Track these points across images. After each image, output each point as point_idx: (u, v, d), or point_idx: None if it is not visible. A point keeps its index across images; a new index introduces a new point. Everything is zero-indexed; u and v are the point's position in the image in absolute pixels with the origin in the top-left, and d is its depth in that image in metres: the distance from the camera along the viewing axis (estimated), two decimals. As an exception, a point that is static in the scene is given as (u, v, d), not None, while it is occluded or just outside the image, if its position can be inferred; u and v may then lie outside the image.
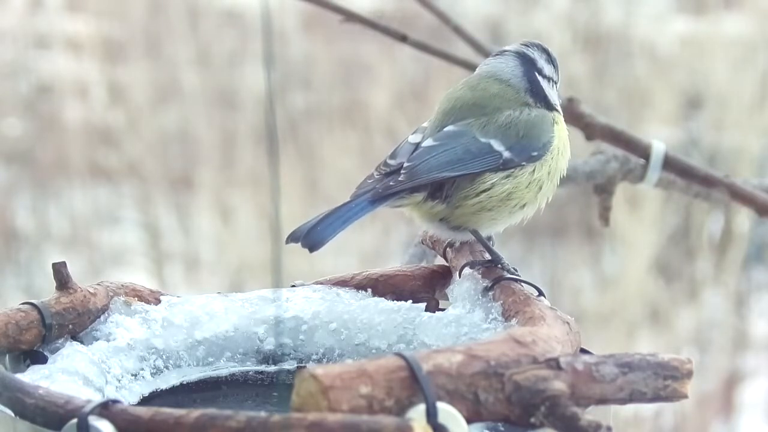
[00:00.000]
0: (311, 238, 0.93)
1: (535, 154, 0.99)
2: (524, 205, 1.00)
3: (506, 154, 0.98)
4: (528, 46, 1.05)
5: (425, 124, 1.03)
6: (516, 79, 1.03)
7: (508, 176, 0.98)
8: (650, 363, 0.81)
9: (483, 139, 0.99)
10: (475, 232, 1.00)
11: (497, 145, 0.99)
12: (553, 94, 1.04)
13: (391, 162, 0.99)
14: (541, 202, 1.02)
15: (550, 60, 1.05)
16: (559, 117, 1.04)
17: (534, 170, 1.00)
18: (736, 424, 3.22)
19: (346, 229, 0.94)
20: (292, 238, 0.93)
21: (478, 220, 0.99)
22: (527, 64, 1.04)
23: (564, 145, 1.02)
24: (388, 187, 0.96)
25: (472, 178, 0.98)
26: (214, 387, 0.96)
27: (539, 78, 1.03)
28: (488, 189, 0.98)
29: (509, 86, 1.03)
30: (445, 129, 1.00)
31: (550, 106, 1.03)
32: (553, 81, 1.04)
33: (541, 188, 1.00)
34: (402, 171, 0.97)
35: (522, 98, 1.02)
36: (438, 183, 0.98)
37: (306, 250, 0.93)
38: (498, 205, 0.99)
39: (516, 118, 1.00)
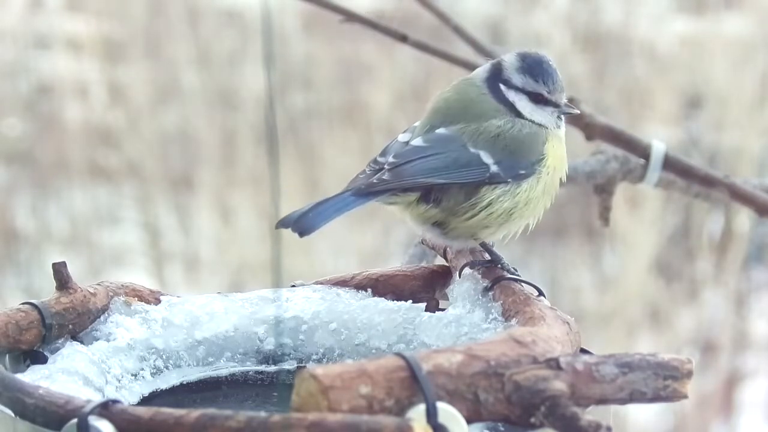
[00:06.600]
0: (303, 224, 0.93)
1: (522, 172, 0.98)
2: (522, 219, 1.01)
3: (494, 168, 0.98)
4: (517, 53, 1.02)
5: (416, 124, 1.03)
6: (482, 86, 1.02)
7: (505, 193, 0.98)
8: (650, 363, 0.81)
9: (473, 150, 0.98)
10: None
11: (486, 158, 0.98)
12: (523, 105, 1.01)
13: (381, 159, 0.99)
14: (538, 214, 1.01)
15: (527, 71, 1.01)
16: (551, 133, 1.01)
17: (529, 188, 0.99)
18: (736, 424, 3.22)
19: (335, 219, 0.95)
20: (283, 223, 0.93)
21: (475, 233, 0.99)
22: (493, 71, 1.02)
23: (560, 163, 1.01)
24: (371, 184, 0.96)
25: (466, 191, 0.97)
26: (214, 387, 0.96)
27: (503, 87, 1.01)
28: (487, 206, 0.98)
29: (482, 93, 1.01)
30: (437, 131, 0.99)
31: (520, 115, 1.00)
32: (525, 91, 1.01)
33: (538, 204, 1.00)
34: (386, 167, 0.97)
35: (496, 105, 1.01)
36: (427, 187, 0.98)
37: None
38: (497, 221, 0.99)
39: (505, 132, 0.99)
